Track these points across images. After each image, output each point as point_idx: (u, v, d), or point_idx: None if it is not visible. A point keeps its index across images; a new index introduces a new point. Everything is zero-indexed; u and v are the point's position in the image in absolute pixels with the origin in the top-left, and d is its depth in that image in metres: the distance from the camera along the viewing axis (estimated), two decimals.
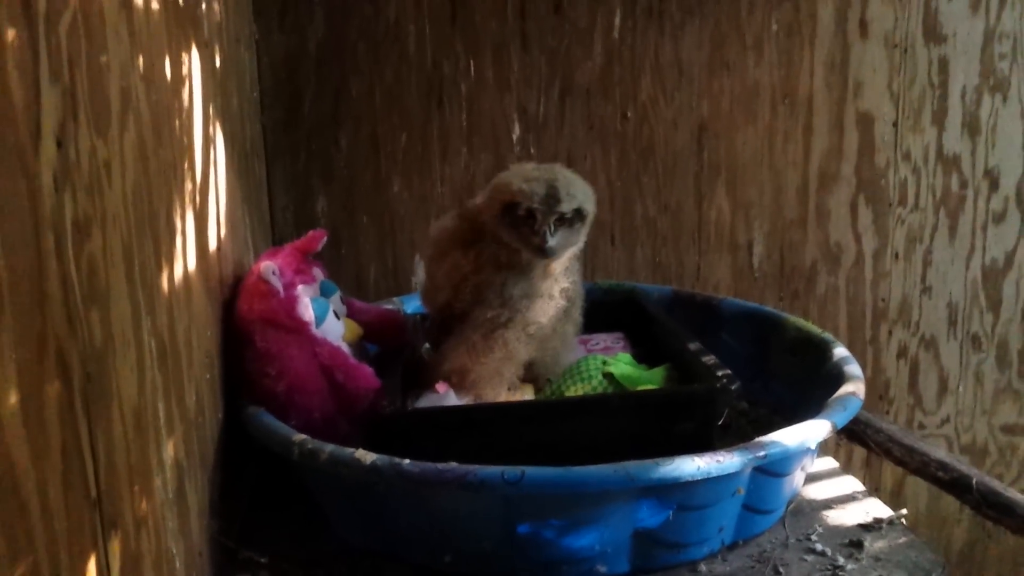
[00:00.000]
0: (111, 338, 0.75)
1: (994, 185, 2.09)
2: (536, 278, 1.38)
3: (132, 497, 0.80)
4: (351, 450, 1.09)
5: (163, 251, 0.95)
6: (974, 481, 1.45)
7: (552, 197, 1.32)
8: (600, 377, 1.40)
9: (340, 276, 1.79)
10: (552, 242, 1.33)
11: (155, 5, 0.98)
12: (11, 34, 0.60)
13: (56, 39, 0.68)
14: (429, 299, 1.50)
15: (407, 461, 1.06)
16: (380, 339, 1.55)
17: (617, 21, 1.92)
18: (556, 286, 1.40)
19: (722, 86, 1.97)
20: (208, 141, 1.22)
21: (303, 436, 1.15)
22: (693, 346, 1.40)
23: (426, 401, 1.31)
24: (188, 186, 1.09)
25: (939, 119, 2.04)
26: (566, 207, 1.32)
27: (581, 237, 1.39)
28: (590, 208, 1.38)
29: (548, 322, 1.38)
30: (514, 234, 1.34)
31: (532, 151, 1.93)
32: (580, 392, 1.39)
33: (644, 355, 1.51)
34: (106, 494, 0.72)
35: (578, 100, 1.95)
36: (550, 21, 1.90)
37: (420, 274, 1.95)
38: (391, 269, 1.96)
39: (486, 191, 1.40)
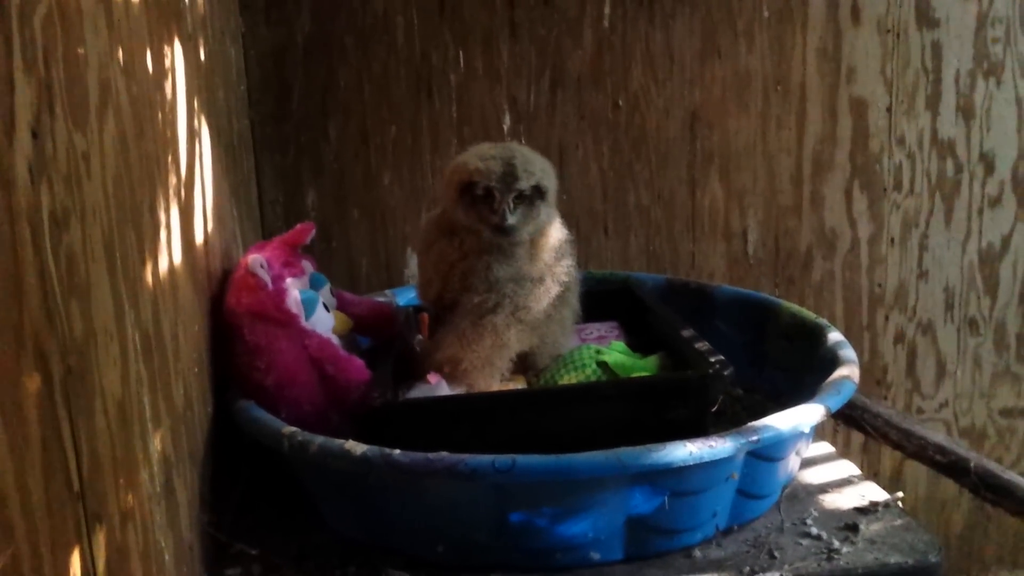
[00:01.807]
0: (93, 331, 0.75)
1: (989, 169, 2.08)
2: (521, 260, 1.37)
3: (117, 490, 0.79)
4: (341, 441, 1.08)
5: (147, 244, 0.94)
6: (972, 464, 1.44)
7: (509, 175, 1.31)
8: (594, 366, 1.40)
9: (331, 269, 1.79)
10: (512, 220, 1.32)
11: None
12: None
13: (30, 31, 0.67)
14: (424, 293, 1.49)
15: (397, 451, 1.05)
16: (371, 332, 1.54)
17: (607, 10, 1.91)
18: (547, 270, 1.39)
19: (714, 74, 1.96)
20: (193, 135, 1.21)
21: (293, 428, 1.14)
22: (687, 333, 1.39)
23: (417, 392, 1.31)
24: (172, 179, 1.08)
25: (933, 104, 2.03)
26: (524, 184, 1.32)
27: (544, 214, 1.38)
28: (549, 184, 1.37)
29: (539, 307, 1.37)
30: (473, 214, 1.34)
31: (523, 141, 1.92)
32: (574, 381, 1.38)
33: (638, 344, 1.50)
34: (89, 487, 0.72)
35: (569, 90, 1.94)
36: (539, 10, 1.89)
37: (412, 267, 1.95)
38: (383, 262, 1.96)
39: (444, 174, 1.40)
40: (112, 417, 0.79)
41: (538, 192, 1.35)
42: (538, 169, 1.35)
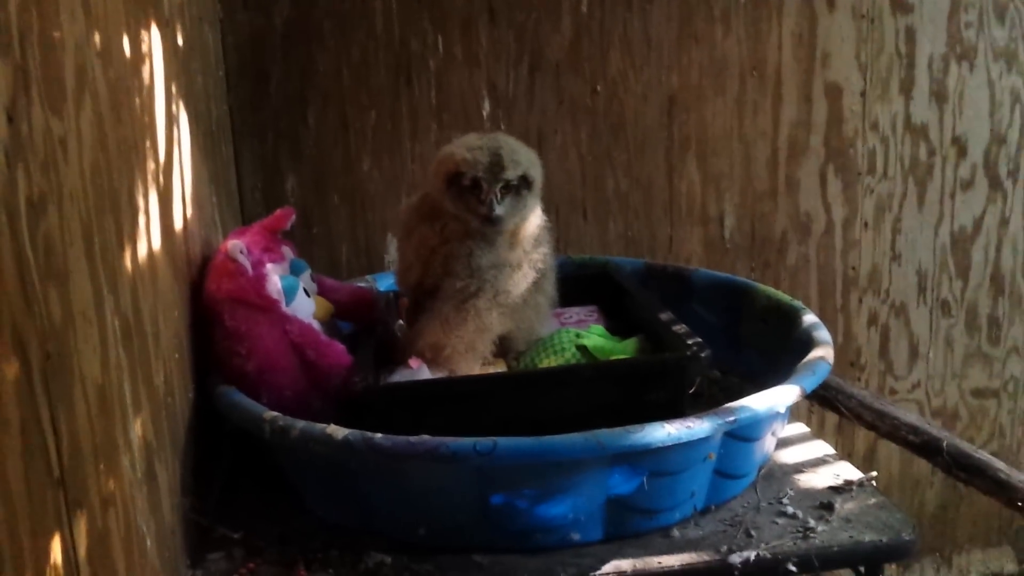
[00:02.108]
0: (71, 316, 0.75)
1: (962, 152, 2.10)
2: (502, 247, 1.38)
3: (98, 476, 0.79)
4: (323, 426, 1.09)
5: (125, 230, 0.94)
6: (944, 444, 1.47)
7: (496, 165, 1.33)
8: (573, 349, 1.41)
9: (312, 255, 1.78)
10: (499, 210, 1.33)
11: None
12: None
13: (5, 15, 0.67)
14: (403, 279, 1.50)
15: (379, 435, 1.06)
16: (352, 317, 1.54)
17: None
18: (525, 257, 1.40)
19: (691, 59, 1.97)
20: (171, 120, 1.21)
21: (274, 413, 1.15)
22: (664, 316, 1.40)
23: (399, 376, 1.31)
24: (151, 165, 1.08)
25: (906, 88, 2.05)
26: (511, 174, 1.33)
27: (530, 204, 1.39)
28: (536, 174, 1.38)
29: (518, 292, 1.38)
30: (461, 204, 1.35)
31: (503, 127, 1.93)
32: (554, 364, 1.39)
33: (618, 327, 1.52)
34: (70, 473, 0.72)
35: (548, 75, 1.94)
36: None
37: (392, 252, 1.95)
38: (363, 247, 1.96)
39: (431, 165, 1.40)
40: (92, 403, 0.79)
41: (525, 182, 1.36)
42: (524, 160, 1.36)
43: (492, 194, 1.33)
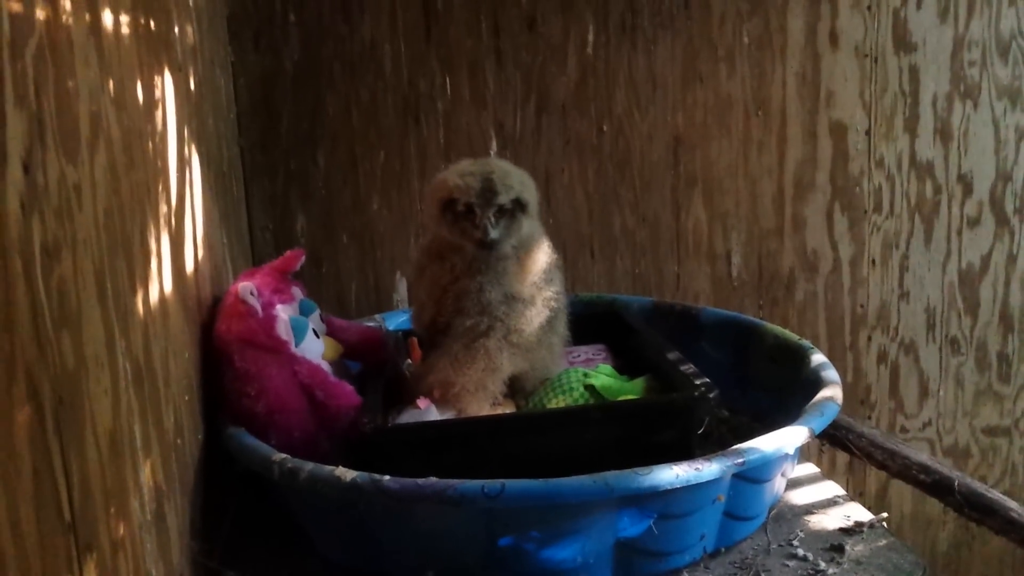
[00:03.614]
0: (83, 361, 0.75)
1: (968, 190, 2.11)
2: (512, 281, 1.38)
3: (108, 520, 0.79)
4: (331, 468, 1.09)
5: (137, 273, 0.95)
6: (956, 483, 1.46)
7: (488, 190, 1.33)
8: (581, 389, 1.41)
9: (321, 294, 1.80)
10: (494, 234, 1.34)
11: (125, 30, 0.98)
12: None
13: (22, 64, 0.68)
14: (417, 319, 1.50)
15: (387, 477, 1.06)
16: (362, 356, 1.55)
17: (591, 37, 1.94)
18: (538, 294, 1.40)
19: (696, 98, 1.99)
20: (183, 163, 1.22)
21: (283, 455, 1.15)
22: (672, 356, 1.40)
23: (407, 417, 1.31)
24: (163, 208, 1.09)
25: (911, 126, 2.06)
26: (503, 198, 1.34)
27: (526, 226, 1.39)
28: (529, 197, 1.38)
29: (530, 331, 1.38)
30: (456, 230, 1.36)
31: None
32: (562, 404, 1.39)
33: (625, 366, 1.52)
34: (80, 517, 0.72)
35: (554, 115, 1.96)
36: (524, 38, 1.92)
37: (401, 291, 1.96)
38: (372, 286, 1.97)
39: (426, 192, 1.41)
40: (103, 447, 0.79)
41: (519, 205, 1.37)
42: (516, 182, 1.37)
43: (486, 218, 1.33)
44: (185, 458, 1.13)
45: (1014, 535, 1.40)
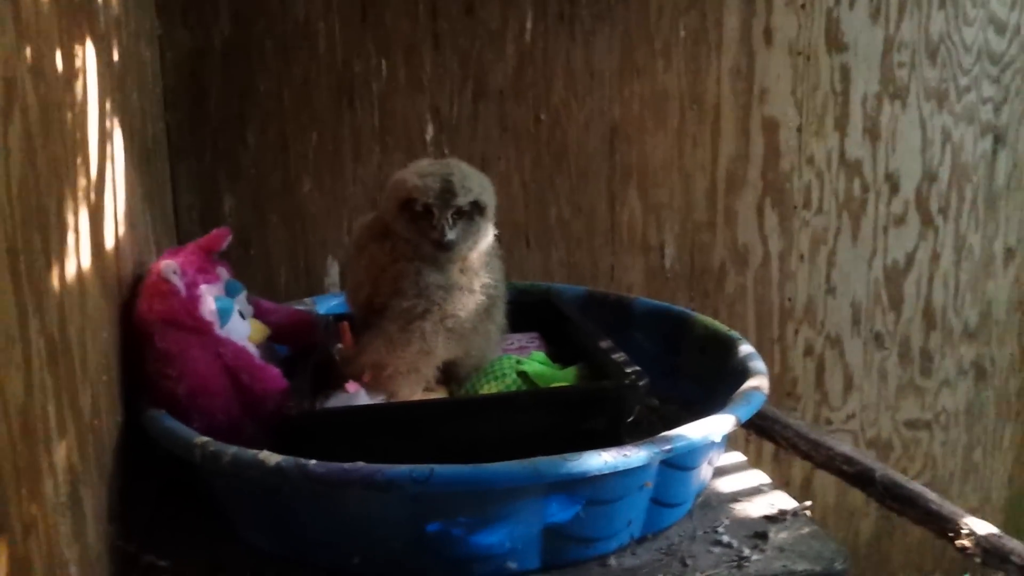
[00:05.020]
0: None
1: (894, 189, 2.16)
2: (452, 269, 1.37)
3: (20, 501, 0.77)
4: (255, 452, 1.06)
5: (53, 248, 0.91)
6: (877, 474, 1.49)
7: (447, 191, 1.33)
8: (514, 376, 1.40)
9: (250, 277, 1.75)
10: (451, 235, 1.33)
11: None
12: None
13: None
14: (353, 298, 1.48)
15: (313, 462, 1.04)
16: (290, 340, 1.52)
17: (529, 25, 1.93)
18: (476, 280, 1.40)
19: (632, 91, 1.99)
20: (104, 137, 1.18)
21: (205, 438, 1.12)
22: (604, 344, 1.41)
23: (336, 401, 1.29)
24: (82, 182, 1.05)
25: (841, 125, 2.10)
26: (462, 200, 1.34)
27: (484, 229, 1.40)
28: (488, 200, 1.39)
29: (467, 316, 1.37)
30: (414, 230, 1.35)
31: (446, 152, 1.93)
32: (494, 391, 1.38)
33: (559, 354, 1.52)
34: None
35: (491, 102, 1.95)
36: (462, 22, 1.90)
37: (333, 275, 1.93)
38: (303, 270, 1.93)
39: (385, 191, 1.41)
40: (14, 425, 0.76)
41: (477, 208, 1.36)
42: (476, 185, 1.37)
43: (444, 220, 1.33)
44: (103, 440, 1.09)
45: (933, 526, 1.43)
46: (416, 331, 1.34)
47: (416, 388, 1.35)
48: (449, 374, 1.42)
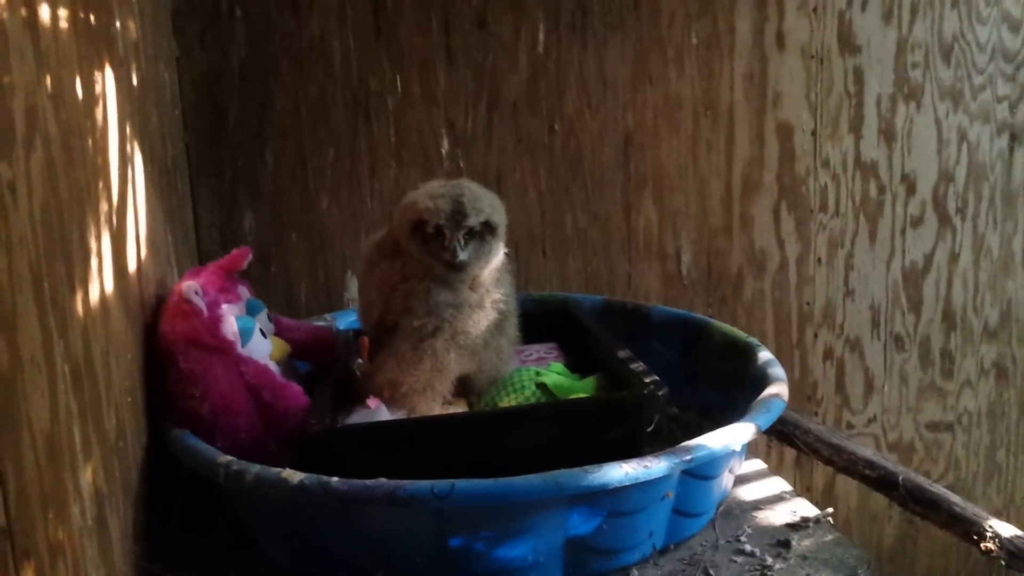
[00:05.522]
0: (19, 363, 0.74)
1: (911, 190, 2.15)
2: (462, 287, 1.38)
3: (46, 525, 0.78)
4: (278, 470, 1.07)
5: (76, 273, 0.93)
6: (900, 478, 1.49)
7: (458, 212, 1.34)
8: (533, 387, 1.41)
9: (270, 294, 1.77)
10: (463, 256, 1.34)
11: (64, 24, 0.96)
12: None
13: None
14: (365, 316, 1.49)
15: (335, 479, 1.05)
16: (311, 356, 1.53)
17: (541, 36, 1.94)
18: (486, 297, 1.40)
19: (646, 99, 2.00)
20: (125, 160, 1.20)
21: (229, 457, 1.13)
22: (622, 354, 1.41)
23: (357, 417, 1.30)
24: (104, 206, 1.07)
25: (856, 127, 2.10)
26: (473, 221, 1.34)
27: (495, 249, 1.40)
28: (499, 220, 1.39)
29: (478, 333, 1.38)
30: (426, 251, 1.36)
31: (461, 165, 1.94)
32: (513, 403, 1.39)
33: (577, 364, 1.52)
34: (17, 523, 0.70)
35: (505, 114, 1.96)
36: (475, 36, 1.91)
37: (352, 290, 1.94)
38: (322, 286, 1.95)
39: (396, 212, 1.41)
40: (40, 450, 0.77)
41: (488, 228, 1.37)
42: (487, 206, 1.37)
43: (455, 241, 1.34)
44: (128, 461, 1.11)
45: (957, 529, 1.43)
46: (428, 349, 1.35)
47: (433, 404, 1.36)
48: (465, 387, 1.43)
